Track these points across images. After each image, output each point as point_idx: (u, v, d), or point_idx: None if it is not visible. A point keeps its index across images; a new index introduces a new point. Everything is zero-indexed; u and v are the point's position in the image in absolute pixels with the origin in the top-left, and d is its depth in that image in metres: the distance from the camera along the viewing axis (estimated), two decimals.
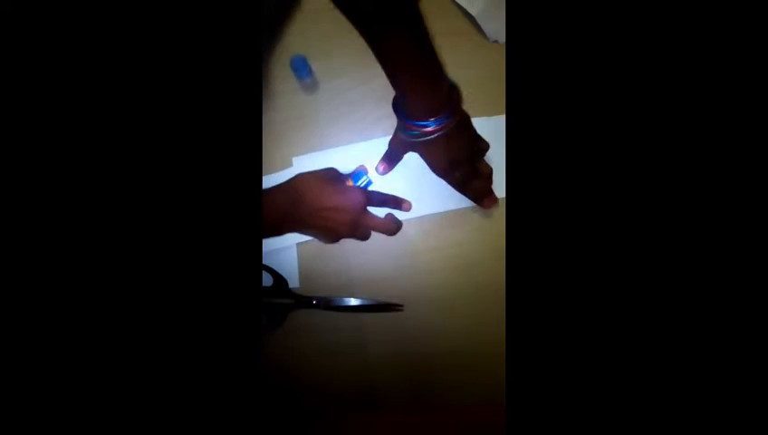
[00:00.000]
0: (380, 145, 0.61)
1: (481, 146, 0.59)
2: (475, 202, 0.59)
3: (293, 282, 0.62)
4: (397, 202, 0.58)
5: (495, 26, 0.62)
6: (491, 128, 0.61)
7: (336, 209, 0.52)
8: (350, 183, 0.57)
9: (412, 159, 0.61)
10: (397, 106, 0.54)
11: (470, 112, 0.62)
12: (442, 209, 0.62)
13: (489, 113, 0.62)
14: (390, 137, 0.59)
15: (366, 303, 0.61)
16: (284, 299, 0.61)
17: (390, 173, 0.62)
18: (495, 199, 0.59)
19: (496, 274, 0.61)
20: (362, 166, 0.61)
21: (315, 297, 0.61)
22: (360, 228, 0.55)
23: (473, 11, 0.61)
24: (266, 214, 0.49)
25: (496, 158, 0.61)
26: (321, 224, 0.53)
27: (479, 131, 0.61)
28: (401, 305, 0.61)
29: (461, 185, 0.58)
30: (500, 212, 0.62)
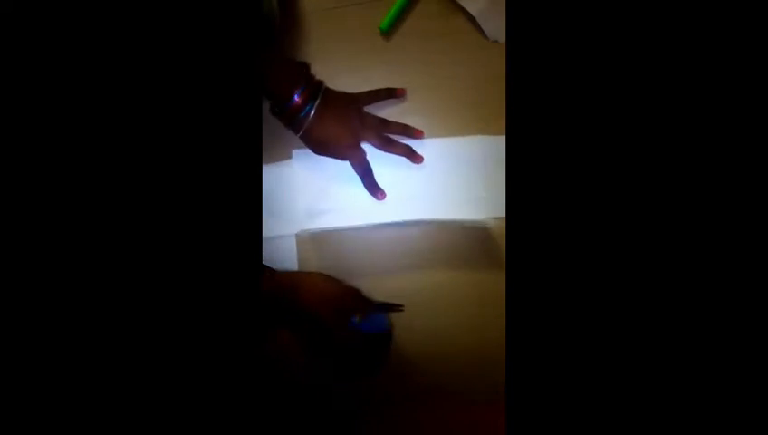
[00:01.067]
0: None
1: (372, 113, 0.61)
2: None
3: None
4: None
5: (495, 26, 0.62)
6: (489, 145, 0.61)
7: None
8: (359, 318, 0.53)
9: (412, 166, 0.61)
10: (272, 111, 0.56)
11: (469, 114, 0.62)
12: (442, 216, 0.62)
13: (488, 115, 0.62)
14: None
15: None
16: None
17: (391, 176, 0.62)
18: (420, 157, 0.60)
19: (496, 274, 0.61)
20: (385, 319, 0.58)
21: None
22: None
23: (472, 10, 0.61)
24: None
25: (496, 159, 0.61)
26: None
27: (476, 150, 0.61)
28: (401, 305, 0.61)
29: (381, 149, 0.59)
30: (500, 213, 0.62)
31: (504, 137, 0.61)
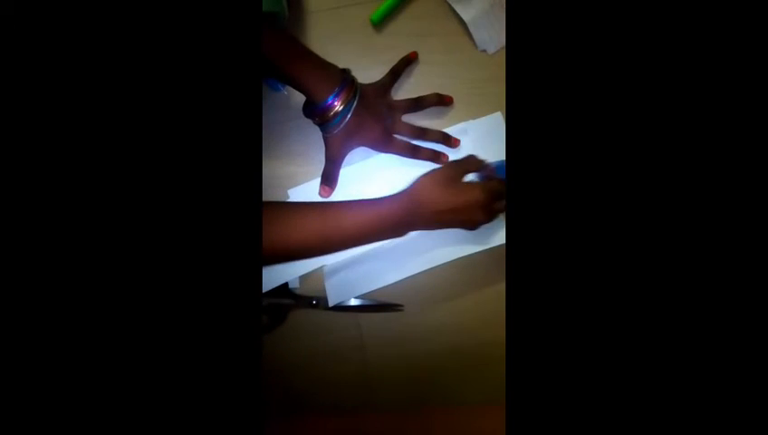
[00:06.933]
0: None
1: (406, 106, 0.61)
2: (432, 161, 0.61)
3: (293, 282, 0.62)
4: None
5: (486, 35, 0.62)
6: (486, 126, 0.62)
7: (456, 211, 0.52)
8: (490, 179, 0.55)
9: (410, 171, 0.61)
10: (305, 110, 0.57)
11: (467, 112, 0.62)
12: None
13: (486, 114, 0.63)
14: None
15: (366, 303, 0.61)
16: (284, 299, 0.61)
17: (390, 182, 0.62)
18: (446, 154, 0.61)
19: (496, 274, 0.61)
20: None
21: (315, 297, 0.61)
22: (490, 216, 0.55)
23: (465, 17, 0.61)
24: (387, 219, 0.52)
25: (494, 154, 0.61)
26: (447, 224, 0.54)
27: (475, 133, 0.61)
28: (401, 305, 0.61)
29: (411, 151, 0.60)
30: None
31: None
